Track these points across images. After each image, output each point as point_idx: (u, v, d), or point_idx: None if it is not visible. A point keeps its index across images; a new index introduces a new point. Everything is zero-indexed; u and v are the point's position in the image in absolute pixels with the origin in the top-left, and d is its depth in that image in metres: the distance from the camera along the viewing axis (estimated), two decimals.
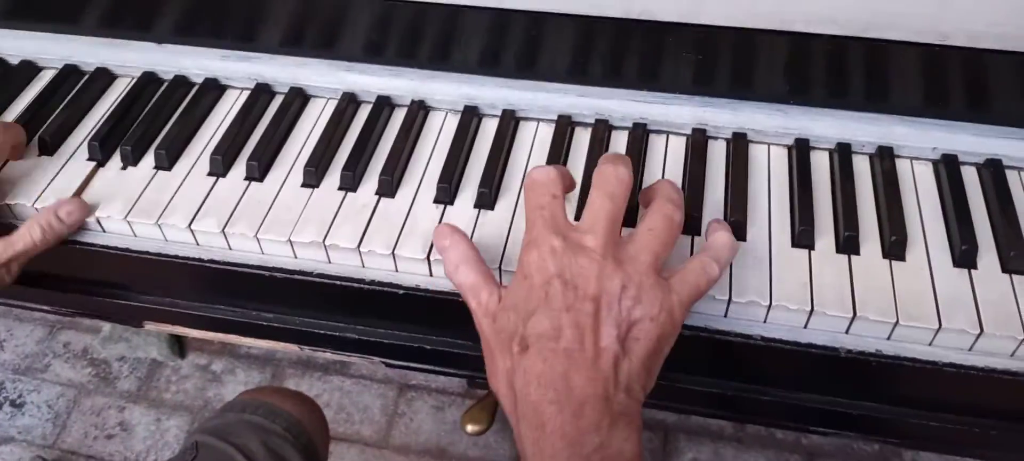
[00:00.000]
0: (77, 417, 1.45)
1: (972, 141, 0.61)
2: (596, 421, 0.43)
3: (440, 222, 0.58)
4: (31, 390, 1.48)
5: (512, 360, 0.46)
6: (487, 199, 0.59)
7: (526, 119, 0.66)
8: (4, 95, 0.70)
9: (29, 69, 0.73)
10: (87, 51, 0.72)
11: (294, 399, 0.80)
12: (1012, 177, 0.60)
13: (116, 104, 0.69)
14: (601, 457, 0.43)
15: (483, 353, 0.50)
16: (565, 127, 0.65)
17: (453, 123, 0.66)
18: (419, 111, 0.66)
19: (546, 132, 0.65)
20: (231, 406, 0.78)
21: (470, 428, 1.46)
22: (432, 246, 0.56)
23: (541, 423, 0.44)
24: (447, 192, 0.60)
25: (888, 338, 0.53)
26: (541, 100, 0.66)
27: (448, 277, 0.51)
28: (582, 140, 0.64)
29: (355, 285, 0.58)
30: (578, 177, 0.61)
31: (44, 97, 0.70)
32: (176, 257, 0.60)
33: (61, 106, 0.69)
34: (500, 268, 0.55)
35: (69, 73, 0.72)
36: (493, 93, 0.66)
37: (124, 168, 0.63)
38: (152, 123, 0.66)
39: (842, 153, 0.62)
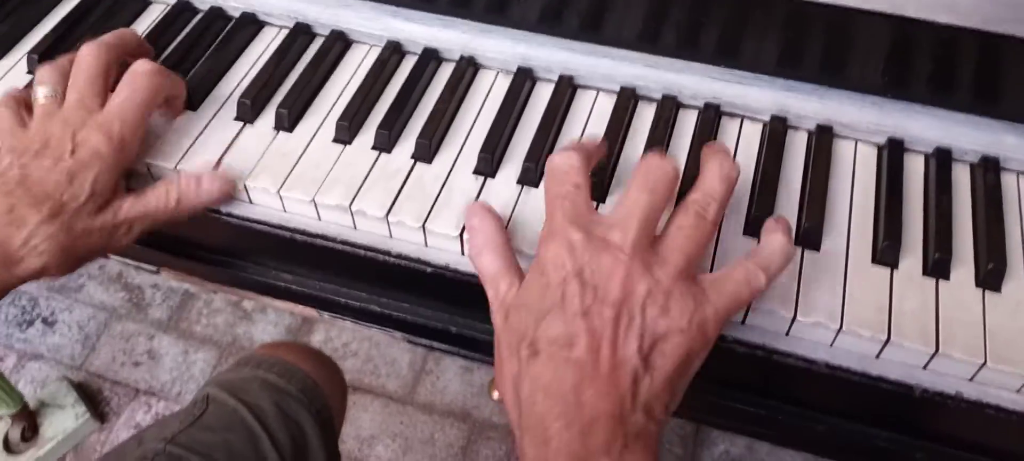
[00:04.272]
0: (107, 341, 1.44)
1: None
2: (606, 442, 0.38)
3: (478, 197, 0.53)
4: (63, 309, 1.49)
5: (520, 365, 0.41)
6: (532, 175, 0.54)
7: (585, 87, 0.60)
8: (34, 12, 0.66)
9: None
10: None
11: (313, 359, 0.77)
12: None
13: (147, 32, 0.64)
14: None
15: (494, 351, 0.45)
16: (627, 100, 0.58)
17: (503, 84, 0.60)
18: (468, 68, 0.60)
19: (606, 104, 0.59)
20: (247, 360, 0.74)
21: (496, 394, 1.43)
22: None
23: (545, 439, 0.39)
24: (489, 163, 0.54)
25: (971, 380, 0.47)
26: (604, 67, 0.59)
27: (470, 259, 0.47)
28: (645, 116, 0.58)
29: (380, 257, 0.53)
30: (635, 158, 0.54)
31: (72, 19, 0.65)
32: None
33: (91, 32, 0.64)
34: None
35: None
36: (551, 55, 0.60)
37: None
38: (182, 59, 0.62)
39: (940, 159, 0.54)
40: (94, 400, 1.36)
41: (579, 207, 0.43)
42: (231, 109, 0.58)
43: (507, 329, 0.43)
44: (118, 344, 1.44)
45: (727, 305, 0.42)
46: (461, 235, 0.50)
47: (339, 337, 1.44)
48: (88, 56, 0.53)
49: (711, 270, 0.49)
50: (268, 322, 1.46)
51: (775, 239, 0.45)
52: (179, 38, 0.64)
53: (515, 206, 0.52)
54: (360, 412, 1.35)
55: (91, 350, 1.43)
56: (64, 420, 1.30)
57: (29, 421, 1.27)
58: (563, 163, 0.45)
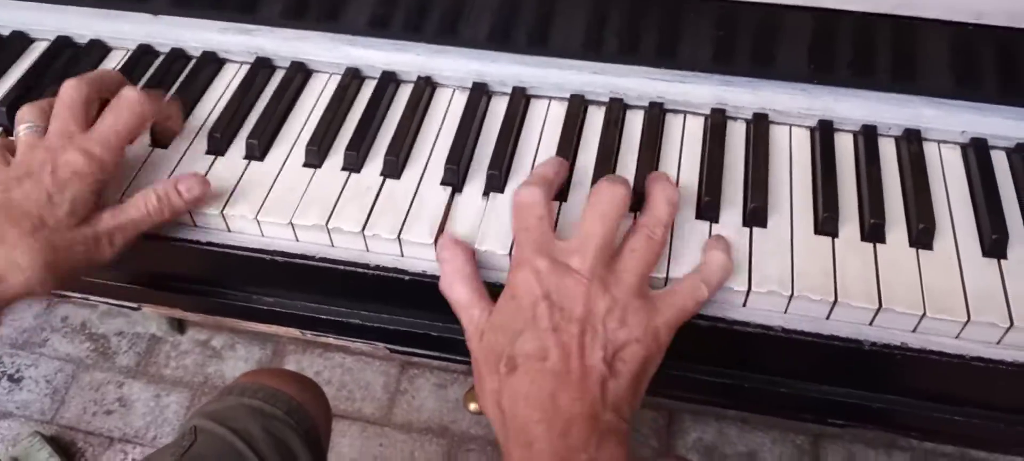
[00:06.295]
0: (76, 392, 1.43)
1: (1003, 124, 0.59)
2: (584, 439, 0.43)
3: (447, 204, 0.56)
4: (29, 365, 1.47)
5: (500, 380, 0.46)
6: (497, 181, 0.57)
7: (537, 97, 0.64)
8: None
9: (21, 40, 0.70)
10: (81, 22, 0.69)
11: (296, 382, 0.78)
12: None
13: None
14: None
15: (473, 372, 0.49)
16: (578, 106, 0.62)
17: (461, 100, 0.63)
18: (426, 88, 0.64)
19: (558, 111, 0.62)
20: (230, 389, 0.76)
21: (473, 406, 1.45)
22: (439, 230, 0.54)
23: (529, 442, 0.44)
24: (455, 174, 0.57)
25: (914, 331, 0.52)
26: (553, 77, 0.63)
27: (442, 291, 0.51)
28: (596, 119, 0.62)
29: (359, 270, 0.55)
30: (590, 158, 0.58)
31: (37, 70, 0.67)
32: (173, 238, 0.57)
33: (56, 80, 0.66)
34: (511, 253, 0.53)
35: (63, 45, 0.69)
36: (503, 69, 0.63)
37: None
38: None
39: (867, 136, 0.59)
40: (68, 452, 1.35)
41: (542, 237, 0.49)
42: (202, 143, 0.60)
43: (483, 349, 0.48)
44: (88, 394, 1.43)
45: (676, 315, 0.48)
46: (435, 242, 0.54)
47: (311, 367, 1.44)
48: (69, 89, 0.55)
49: (669, 253, 0.53)
50: (238, 358, 1.46)
51: (716, 256, 0.51)
52: (143, 81, 0.66)
53: (484, 211, 0.55)
54: (339, 438, 1.36)
55: (61, 403, 1.42)
56: None
57: None
58: (525, 199, 0.51)
